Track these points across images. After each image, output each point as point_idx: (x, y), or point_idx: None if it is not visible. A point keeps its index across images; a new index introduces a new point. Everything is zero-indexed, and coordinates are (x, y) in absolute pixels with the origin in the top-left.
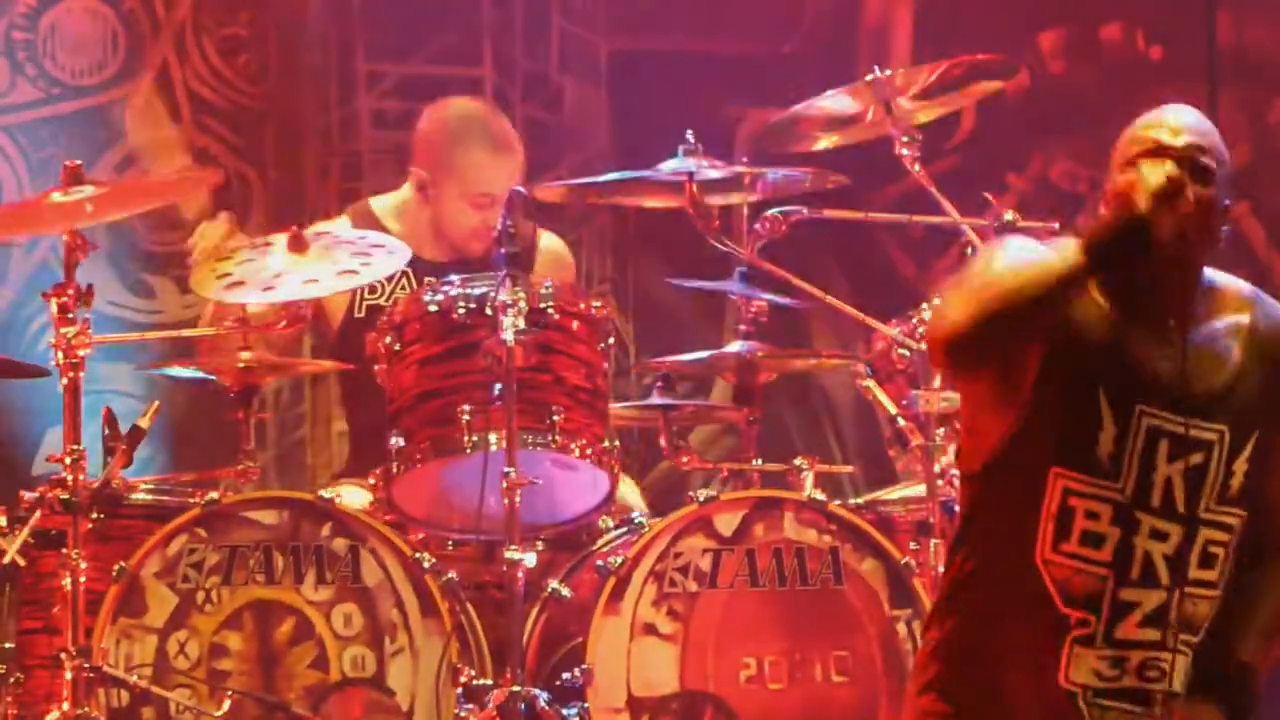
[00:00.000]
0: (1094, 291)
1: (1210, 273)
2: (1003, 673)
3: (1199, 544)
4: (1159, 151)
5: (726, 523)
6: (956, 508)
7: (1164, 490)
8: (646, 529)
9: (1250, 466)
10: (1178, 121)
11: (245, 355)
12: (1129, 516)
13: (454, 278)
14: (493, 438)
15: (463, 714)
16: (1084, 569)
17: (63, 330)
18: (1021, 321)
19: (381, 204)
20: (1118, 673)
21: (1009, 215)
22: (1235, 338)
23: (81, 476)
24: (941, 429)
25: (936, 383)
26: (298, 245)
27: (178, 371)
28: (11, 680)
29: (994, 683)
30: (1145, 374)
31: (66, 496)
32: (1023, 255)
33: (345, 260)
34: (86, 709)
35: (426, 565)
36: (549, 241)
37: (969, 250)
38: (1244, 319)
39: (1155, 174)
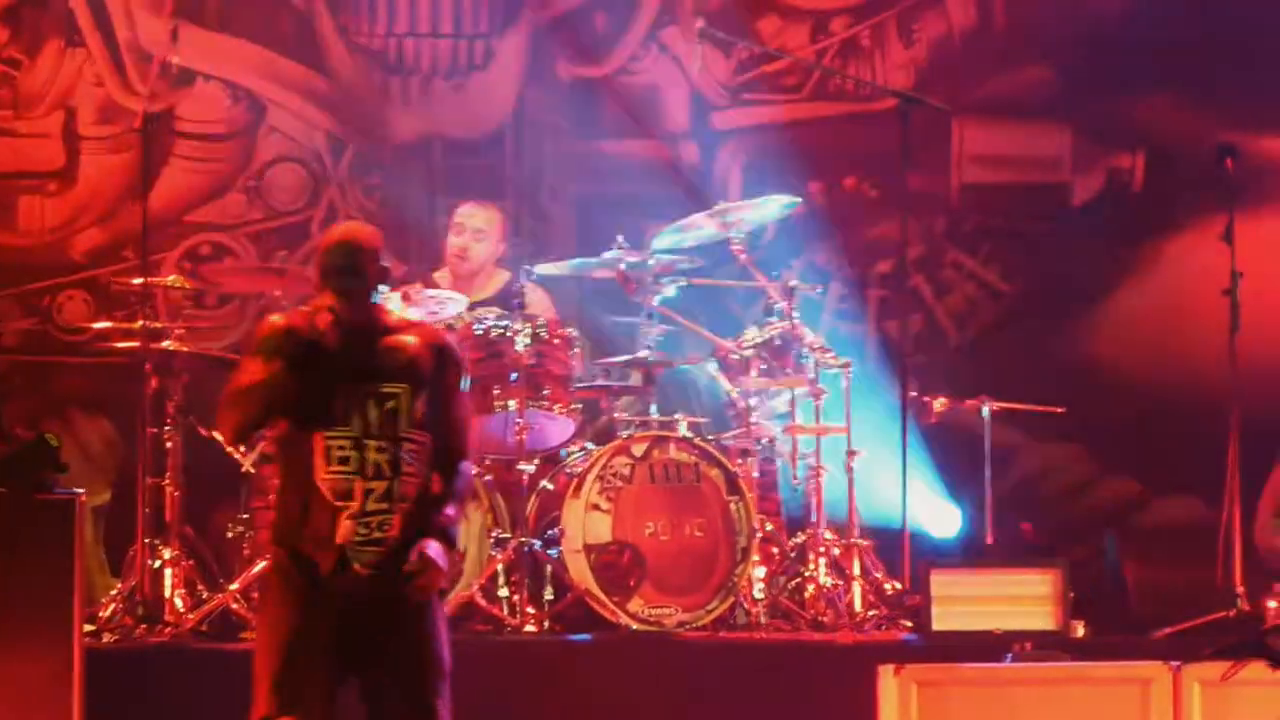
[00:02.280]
0: (331, 333)
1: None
2: (315, 547)
3: (404, 452)
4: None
5: (638, 448)
6: (762, 444)
7: (378, 424)
8: (595, 452)
9: (424, 408)
10: (338, 245)
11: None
12: (360, 444)
13: (488, 315)
14: (511, 403)
15: (494, 554)
16: (340, 478)
17: None
18: (255, 414)
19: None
20: (368, 530)
21: (793, 282)
22: (416, 340)
23: None
24: (755, 399)
25: (753, 373)
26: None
27: None
28: (247, 535)
29: (309, 553)
30: (357, 365)
31: None
32: (240, 378)
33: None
34: None
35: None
36: (540, 295)
37: (770, 301)
38: (423, 333)
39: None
